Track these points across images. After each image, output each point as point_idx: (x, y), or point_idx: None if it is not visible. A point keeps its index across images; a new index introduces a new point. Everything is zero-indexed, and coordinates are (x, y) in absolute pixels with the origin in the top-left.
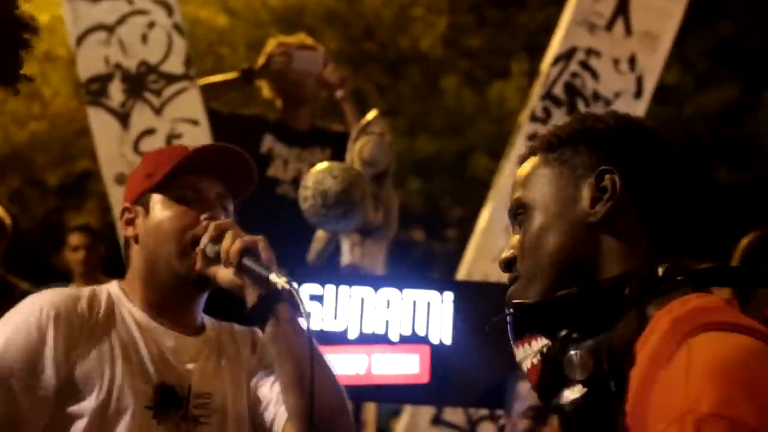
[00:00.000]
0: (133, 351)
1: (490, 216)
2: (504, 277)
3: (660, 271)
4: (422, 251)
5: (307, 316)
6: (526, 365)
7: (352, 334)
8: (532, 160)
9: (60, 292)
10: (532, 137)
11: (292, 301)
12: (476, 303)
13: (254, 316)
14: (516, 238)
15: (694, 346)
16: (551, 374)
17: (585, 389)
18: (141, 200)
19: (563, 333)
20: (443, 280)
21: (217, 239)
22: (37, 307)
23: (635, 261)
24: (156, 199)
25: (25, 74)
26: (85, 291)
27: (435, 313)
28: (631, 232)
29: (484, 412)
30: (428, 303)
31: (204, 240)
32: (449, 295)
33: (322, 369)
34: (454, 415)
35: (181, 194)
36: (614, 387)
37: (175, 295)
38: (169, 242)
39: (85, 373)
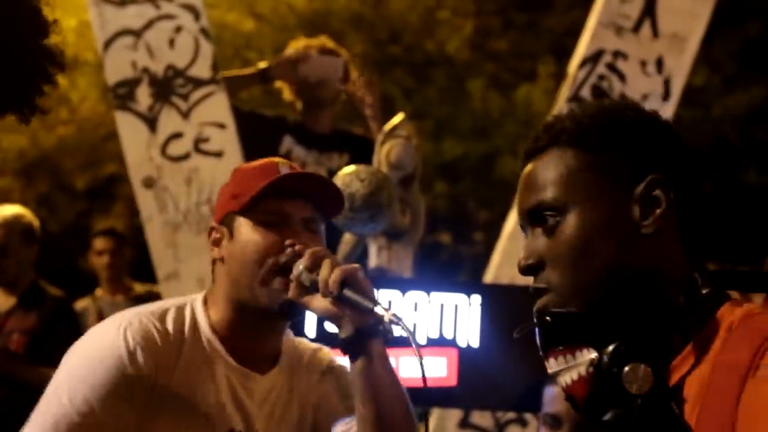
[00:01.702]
0: (210, 394)
1: (517, 219)
2: (531, 280)
3: (699, 280)
4: (449, 254)
5: (417, 346)
6: (571, 377)
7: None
8: (561, 158)
9: (141, 318)
10: (547, 125)
11: (387, 331)
12: (504, 306)
13: (347, 347)
14: (539, 244)
15: None
16: (605, 388)
17: (644, 404)
18: (226, 221)
19: (616, 345)
20: (471, 283)
21: (312, 267)
22: (125, 337)
23: (681, 270)
24: (240, 222)
25: (40, 107)
26: (170, 316)
27: (462, 317)
28: (675, 241)
29: (511, 415)
30: (456, 306)
31: (299, 267)
32: (477, 298)
33: (404, 410)
34: (482, 418)
35: (266, 218)
36: (673, 399)
37: (256, 324)
38: (252, 268)
39: (158, 416)
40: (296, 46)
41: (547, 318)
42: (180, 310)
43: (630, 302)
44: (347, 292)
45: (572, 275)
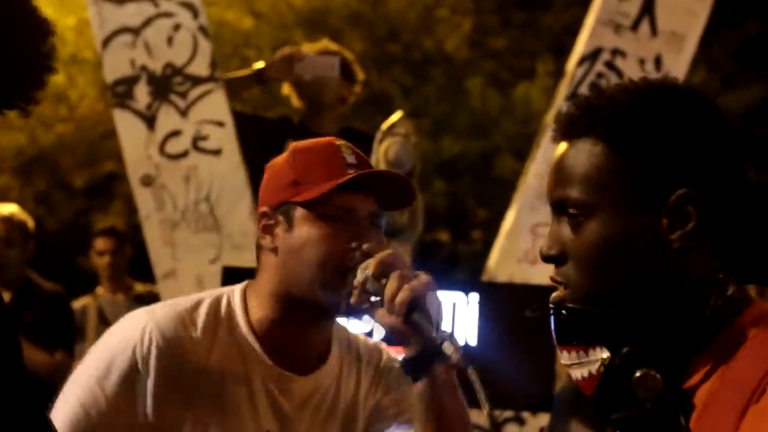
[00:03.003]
0: (241, 395)
1: (515, 217)
2: (530, 279)
3: (730, 291)
4: (447, 252)
5: (484, 397)
6: (579, 373)
7: (378, 336)
8: (593, 151)
9: (169, 313)
10: (587, 106)
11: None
12: (501, 304)
13: (410, 368)
14: (563, 235)
15: None
16: (614, 389)
17: (652, 409)
18: (283, 209)
19: (629, 349)
20: (468, 282)
21: (380, 275)
22: (144, 333)
23: (707, 282)
24: (301, 214)
25: (36, 98)
26: (203, 309)
27: (460, 315)
28: (703, 255)
29: (509, 413)
30: (453, 304)
31: (365, 272)
32: (474, 297)
33: None
34: (479, 416)
35: (331, 212)
36: (681, 408)
37: (306, 323)
38: (315, 269)
39: (181, 415)
40: (287, 49)
41: (563, 312)
42: (216, 303)
43: (649, 311)
44: (416, 318)
45: (592, 278)
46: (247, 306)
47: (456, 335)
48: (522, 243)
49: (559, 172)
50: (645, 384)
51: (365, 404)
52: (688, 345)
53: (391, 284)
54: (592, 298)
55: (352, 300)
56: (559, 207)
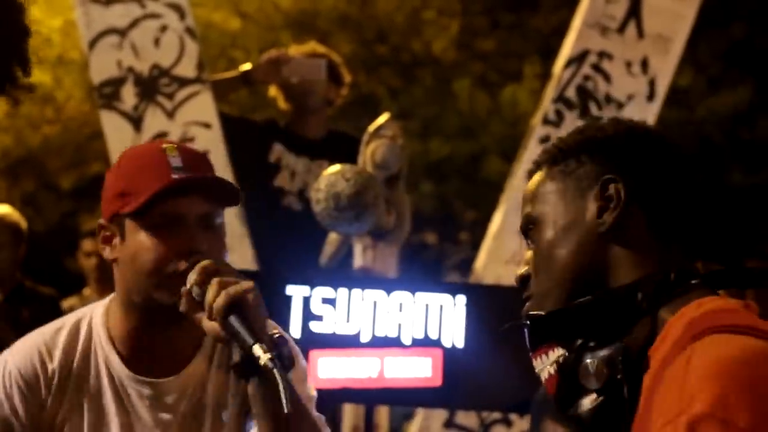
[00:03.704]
0: (106, 410)
1: (503, 219)
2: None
3: (672, 276)
4: (434, 254)
5: (286, 399)
6: (544, 376)
7: (365, 338)
8: (539, 175)
9: (27, 349)
10: (543, 146)
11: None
12: (489, 306)
13: (237, 370)
14: (529, 254)
15: (697, 348)
16: (567, 384)
17: (600, 398)
18: (115, 220)
19: (578, 342)
20: (456, 284)
21: (202, 283)
22: (5, 372)
23: (647, 268)
24: (130, 224)
25: (29, 83)
26: (62, 333)
27: (447, 317)
28: (641, 239)
29: (497, 415)
30: (441, 306)
31: (191, 279)
32: (462, 299)
33: None
34: (467, 418)
35: (158, 221)
36: (628, 394)
37: (160, 330)
38: (146, 276)
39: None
40: (273, 52)
41: (526, 322)
42: (76, 323)
43: (592, 298)
44: (232, 321)
45: (543, 280)
46: (108, 319)
47: (287, 339)
48: (509, 245)
49: (523, 200)
50: (591, 373)
51: (234, 401)
52: (627, 330)
53: (210, 291)
54: (544, 299)
55: (181, 308)
56: (525, 231)
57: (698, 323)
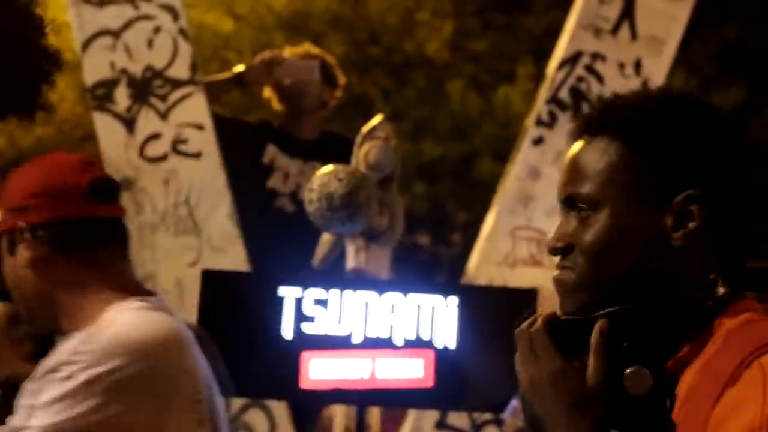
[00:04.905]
0: None
1: (495, 220)
2: (509, 282)
3: (721, 290)
4: (427, 255)
5: None
6: None
7: (357, 339)
8: (607, 150)
9: None
10: (603, 108)
11: None
12: (481, 307)
13: None
14: (570, 228)
15: (766, 365)
16: (608, 386)
17: (641, 406)
18: None
19: (621, 346)
20: (448, 285)
21: None
22: None
23: (705, 280)
24: None
25: (43, 103)
26: None
27: (440, 318)
28: (704, 254)
29: (488, 416)
30: (433, 307)
31: None
32: (454, 300)
33: None
34: (459, 419)
35: None
36: (669, 404)
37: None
38: None
39: None
40: (267, 53)
41: (562, 320)
42: None
43: (646, 306)
44: None
45: (596, 266)
46: None
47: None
48: (502, 246)
49: (572, 169)
50: (635, 380)
51: None
52: (674, 341)
53: None
54: (594, 283)
55: None
56: (570, 203)
57: (744, 336)
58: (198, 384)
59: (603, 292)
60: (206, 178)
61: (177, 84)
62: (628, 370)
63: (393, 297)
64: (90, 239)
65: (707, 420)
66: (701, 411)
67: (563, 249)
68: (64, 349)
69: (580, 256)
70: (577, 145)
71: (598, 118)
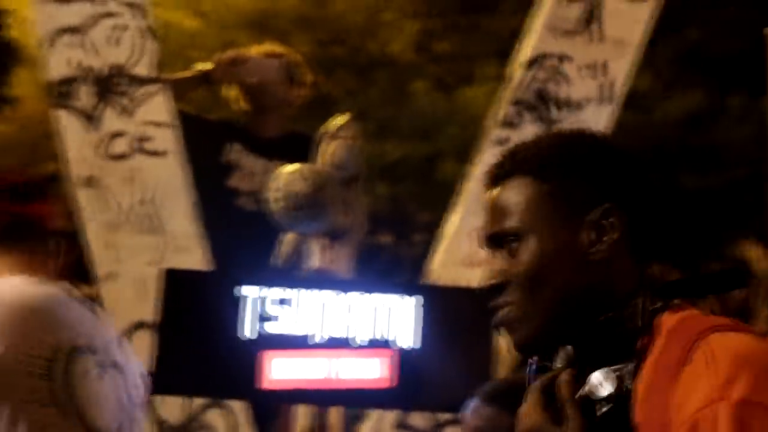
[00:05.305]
0: None
1: (459, 221)
2: (471, 282)
3: (650, 302)
4: (390, 255)
5: None
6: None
7: (317, 338)
8: (522, 186)
9: None
10: (512, 152)
11: None
12: (444, 307)
13: None
14: (502, 264)
15: (712, 342)
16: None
17: (611, 404)
18: None
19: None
20: (409, 284)
21: None
22: None
23: (630, 288)
24: None
25: (3, 96)
26: None
27: (400, 317)
28: (625, 261)
29: (449, 416)
30: (394, 307)
31: None
32: (416, 299)
33: None
34: (419, 419)
35: None
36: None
37: None
38: None
39: None
40: (230, 52)
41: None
42: None
43: (583, 320)
44: None
45: (530, 297)
46: None
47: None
48: (464, 246)
49: (493, 211)
50: (601, 384)
51: None
52: (616, 351)
53: None
54: (533, 315)
55: None
56: (495, 242)
57: (684, 327)
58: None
59: (549, 317)
60: (170, 177)
61: (142, 82)
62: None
63: (354, 297)
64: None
65: (668, 409)
66: (660, 402)
67: (497, 286)
68: None
69: (516, 288)
70: (493, 192)
71: (508, 163)
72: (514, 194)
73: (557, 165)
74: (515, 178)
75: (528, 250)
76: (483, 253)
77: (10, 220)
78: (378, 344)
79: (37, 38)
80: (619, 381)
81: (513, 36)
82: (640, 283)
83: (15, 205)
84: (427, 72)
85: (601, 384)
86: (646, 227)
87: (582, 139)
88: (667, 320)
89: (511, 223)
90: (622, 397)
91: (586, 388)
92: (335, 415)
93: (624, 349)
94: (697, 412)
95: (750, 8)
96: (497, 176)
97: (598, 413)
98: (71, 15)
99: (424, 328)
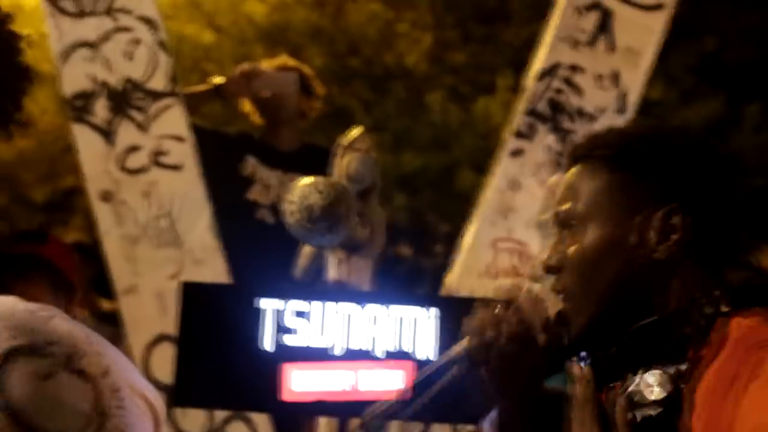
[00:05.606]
0: None
1: (476, 232)
2: (491, 293)
3: (715, 306)
4: (410, 266)
5: None
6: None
7: (338, 351)
8: (595, 171)
9: None
10: (595, 136)
11: None
12: (462, 319)
13: None
14: (561, 247)
15: None
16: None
17: (660, 409)
18: None
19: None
20: (429, 296)
21: None
22: None
23: (690, 293)
24: None
25: (19, 119)
26: None
27: (421, 329)
28: (687, 264)
29: (470, 428)
30: (414, 319)
31: None
32: (435, 311)
33: None
34: (440, 430)
35: None
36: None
37: None
38: None
39: None
40: (244, 66)
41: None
42: None
43: (633, 319)
44: None
45: (582, 285)
46: None
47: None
48: (483, 257)
49: (564, 190)
50: (652, 386)
51: None
52: (663, 354)
53: None
54: (584, 304)
55: None
56: (561, 222)
57: (753, 337)
58: None
59: (594, 309)
60: (187, 191)
61: (157, 96)
62: (643, 376)
63: (374, 309)
64: None
65: (732, 419)
66: (723, 411)
67: (553, 267)
68: None
69: (569, 276)
70: (569, 172)
71: (589, 145)
72: (587, 178)
73: (633, 157)
74: (592, 161)
75: (589, 236)
76: (501, 263)
77: None
78: (398, 356)
79: (52, 53)
80: (675, 385)
81: (528, 46)
82: (703, 288)
83: None
84: (443, 83)
85: (651, 386)
86: (714, 231)
87: (667, 134)
88: (735, 327)
89: (578, 206)
90: (674, 401)
91: (631, 388)
92: (356, 426)
93: (672, 353)
94: (761, 427)
95: (767, 17)
96: (576, 156)
97: (639, 418)
98: (85, 30)
99: (442, 340)
